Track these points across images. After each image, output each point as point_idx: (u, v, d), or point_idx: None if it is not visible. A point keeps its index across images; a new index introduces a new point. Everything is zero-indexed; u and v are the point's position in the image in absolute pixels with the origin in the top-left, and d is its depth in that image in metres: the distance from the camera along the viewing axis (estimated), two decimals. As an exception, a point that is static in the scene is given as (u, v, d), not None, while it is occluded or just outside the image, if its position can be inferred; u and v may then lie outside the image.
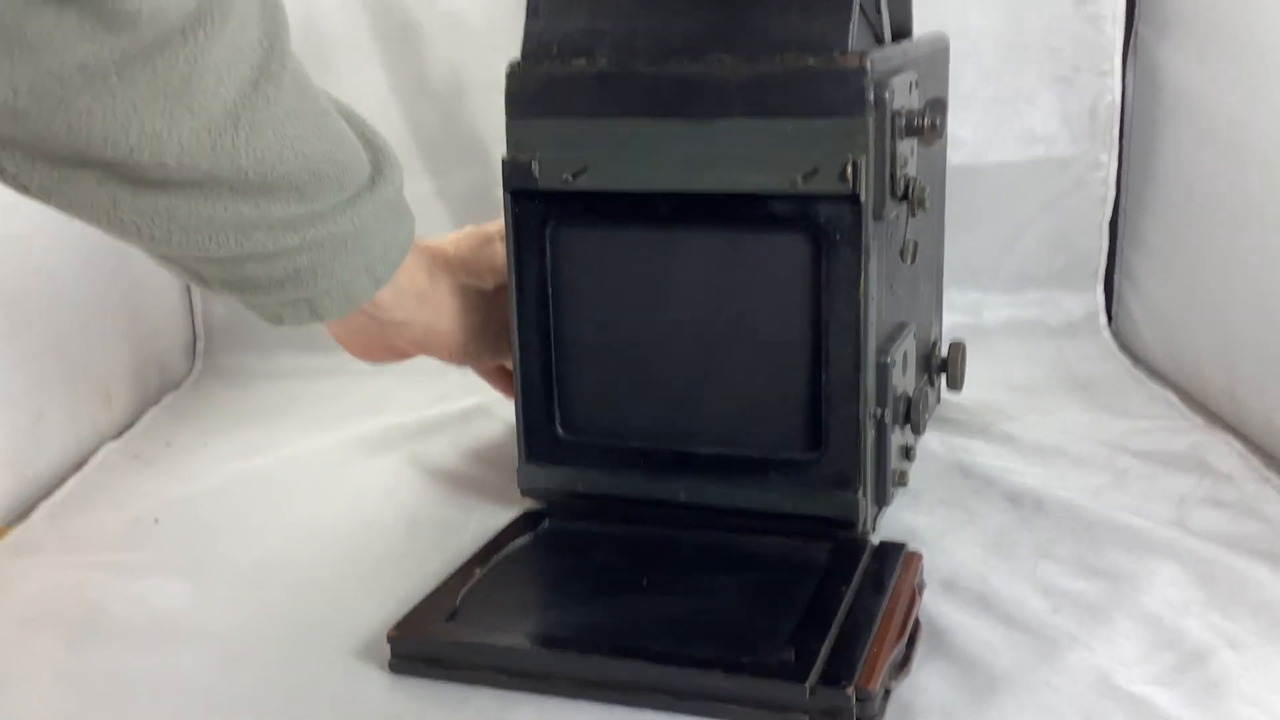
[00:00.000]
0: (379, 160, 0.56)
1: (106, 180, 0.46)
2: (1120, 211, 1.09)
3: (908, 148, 0.66)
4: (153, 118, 0.44)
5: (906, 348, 0.71)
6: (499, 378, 0.78)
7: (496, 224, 0.71)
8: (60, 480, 0.84)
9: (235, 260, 0.52)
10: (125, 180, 0.46)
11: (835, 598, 0.58)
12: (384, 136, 0.57)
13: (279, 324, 0.58)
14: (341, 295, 0.57)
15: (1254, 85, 0.86)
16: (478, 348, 0.71)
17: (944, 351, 0.84)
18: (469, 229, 0.74)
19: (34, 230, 0.86)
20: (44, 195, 0.47)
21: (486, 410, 0.93)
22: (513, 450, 0.72)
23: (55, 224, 0.89)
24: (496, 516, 0.72)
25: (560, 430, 0.71)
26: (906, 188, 0.66)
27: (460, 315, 0.69)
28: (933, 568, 0.65)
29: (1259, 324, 0.84)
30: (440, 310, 0.67)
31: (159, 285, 1.06)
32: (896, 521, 0.71)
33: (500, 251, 0.71)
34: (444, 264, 0.69)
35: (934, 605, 0.62)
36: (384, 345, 0.68)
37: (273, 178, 0.49)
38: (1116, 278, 1.10)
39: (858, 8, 0.63)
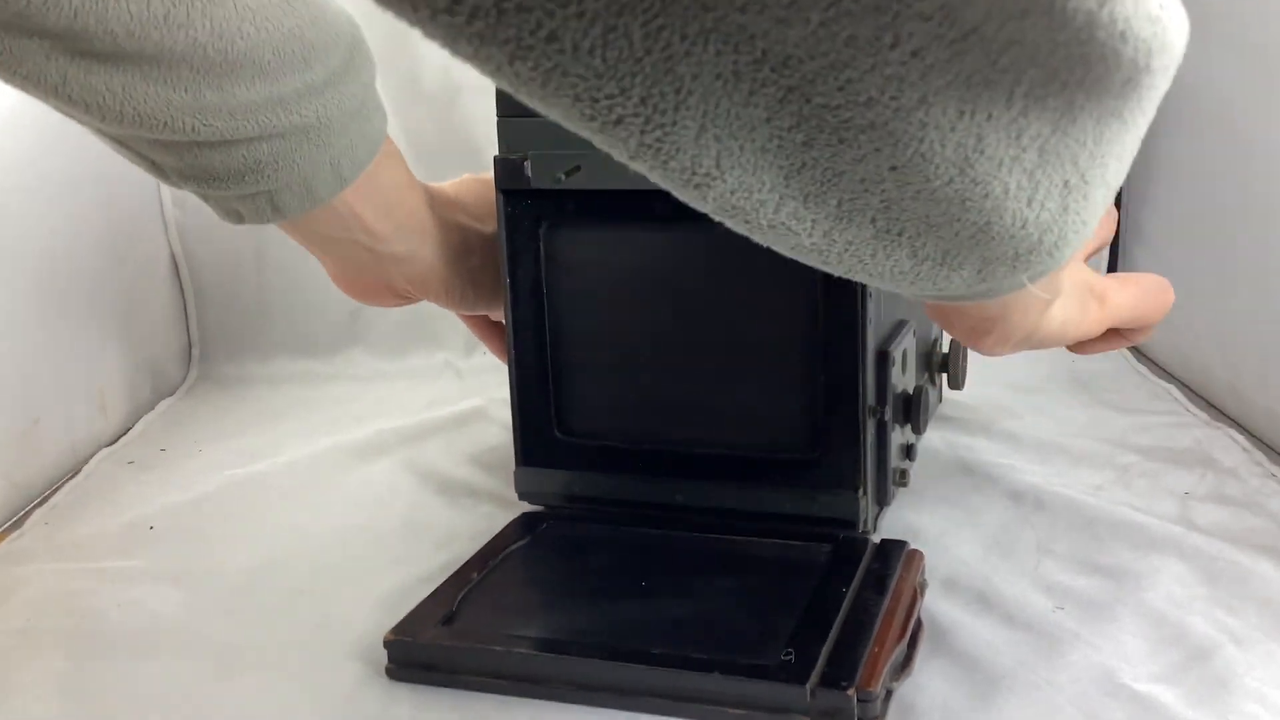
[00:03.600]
0: (353, 50, 0.54)
1: (54, 52, 0.44)
2: (1121, 206, 1.08)
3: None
4: None
5: (906, 345, 0.70)
6: (492, 332, 0.76)
7: None
8: (55, 487, 0.84)
9: (192, 146, 0.50)
10: (74, 53, 0.44)
11: (836, 598, 0.58)
12: (361, 31, 0.55)
13: (239, 221, 0.56)
14: (303, 190, 0.55)
15: (1255, 78, 0.85)
16: (476, 292, 0.69)
17: (944, 349, 0.84)
18: (468, 176, 0.72)
19: (27, 234, 0.86)
20: None
21: (483, 414, 0.92)
22: (509, 453, 0.72)
23: (49, 229, 0.89)
24: (493, 520, 0.72)
25: (557, 433, 0.70)
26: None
27: (460, 255, 0.67)
28: (934, 566, 0.65)
29: (1262, 318, 0.83)
30: (441, 246, 0.66)
31: (154, 291, 1.05)
32: (898, 520, 0.71)
33: None
34: (445, 203, 0.67)
35: (936, 604, 0.61)
36: (382, 283, 0.66)
37: (233, 53, 0.47)
38: (1118, 273, 1.10)
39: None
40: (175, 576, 0.69)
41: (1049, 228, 0.30)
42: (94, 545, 0.74)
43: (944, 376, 0.84)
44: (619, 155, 0.27)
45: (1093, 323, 0.55)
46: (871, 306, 0.63)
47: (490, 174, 0.70)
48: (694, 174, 0.27)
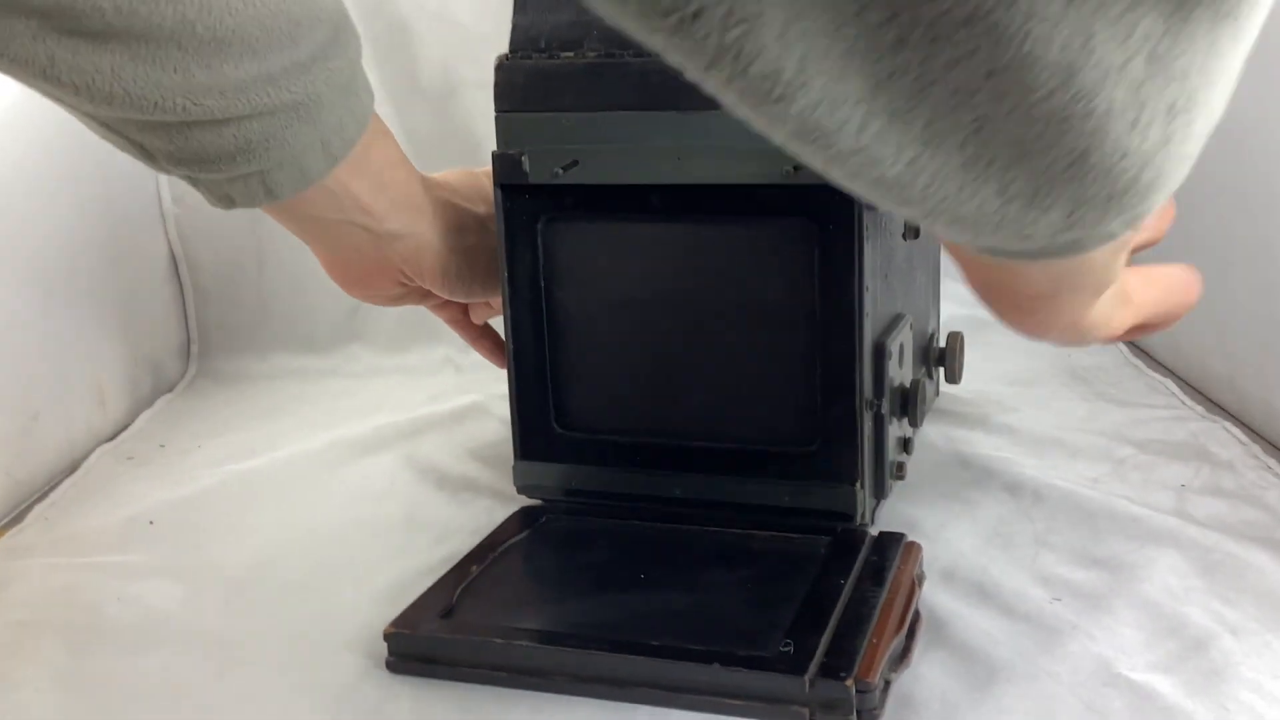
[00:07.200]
0: (338, 26, 0.54)
1: (42, 32, 0.45)
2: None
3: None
4: None
5: (903, 339, 0.70)
6: (481, 335, 0.76)
7: (484, 167, 0.71)
8: (54, 482, 0.84)
9: (183, 127, 0.50)
10: (62, 32, 0.45)
11: (834, 590, 0.58)
12: (345, 6, 0.55)
13: (230, 206, 0.56)
14: (295, 169, 0.55)
15: (1252, 73, 0.85)
16: (470, 273, 0.69)
17: (942, 343, 0.84)
18: (455, 168, 0.73)
19: (26, 231, 0.86)
20: None
21: (481, 408, 0.92)
22: (508, 448, 0.72)
23: (49, 225, 0.89)
24: (492, 514, 0.72)
25: (555, 427, 0.70)
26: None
27: (453, 234, 0.67)
28: (932, 558, 0.65)
29: (1258, 311, 0.84)
30: (434, 224, 0.66)
31: (153, 287, 1.05)
32: (896, 513, 0.71)
33: (488, 185, 0.70)
34: (436, 183, 0.68)
35: (934, 596, 0.62)
36: (377, 266, 0.66)
37: (221, 30, 0.47)
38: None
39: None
40: (174, 571, 0.69)
41: (1148, 161, 0.29)
42: (93, 540, 0.74)
43: (941, 370, 0.84)
44: (694, 65, 0.25)
45: (1120, 321, 0.55)
46: (869, 300, 0.63)
47: (477, 166, 0.71)
48: (776, 83, 0.25)
